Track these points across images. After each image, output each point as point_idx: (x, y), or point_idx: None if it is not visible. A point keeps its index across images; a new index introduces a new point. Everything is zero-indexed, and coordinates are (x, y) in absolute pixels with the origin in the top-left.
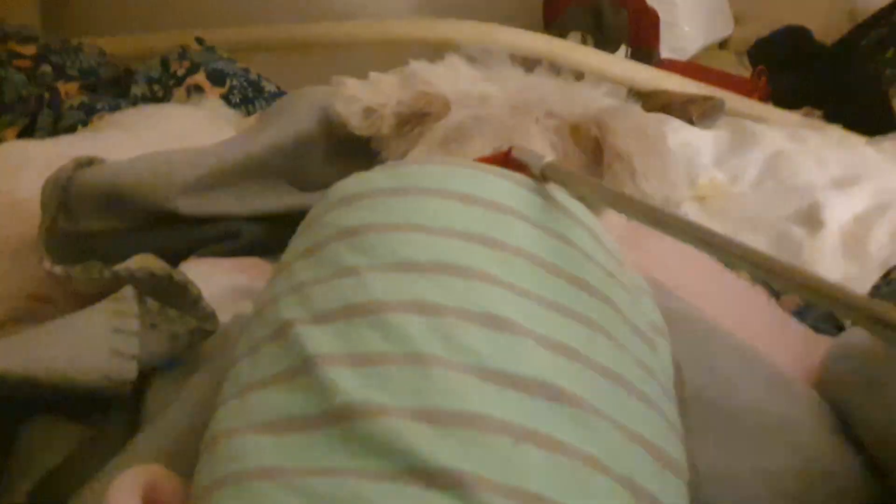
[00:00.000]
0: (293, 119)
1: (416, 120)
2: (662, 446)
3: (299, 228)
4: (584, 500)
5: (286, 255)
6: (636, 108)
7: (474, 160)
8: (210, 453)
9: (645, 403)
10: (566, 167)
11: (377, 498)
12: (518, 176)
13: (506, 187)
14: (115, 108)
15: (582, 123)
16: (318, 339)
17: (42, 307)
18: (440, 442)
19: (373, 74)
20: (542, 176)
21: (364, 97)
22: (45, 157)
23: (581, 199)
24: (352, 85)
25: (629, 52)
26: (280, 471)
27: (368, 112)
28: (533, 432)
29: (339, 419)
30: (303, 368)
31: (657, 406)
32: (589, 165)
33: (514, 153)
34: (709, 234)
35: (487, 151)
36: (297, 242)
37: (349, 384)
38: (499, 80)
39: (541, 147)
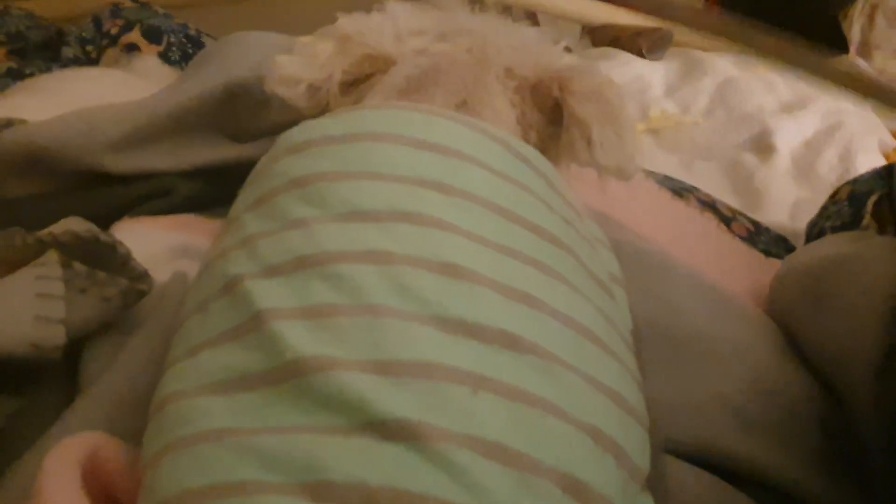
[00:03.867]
0: (223, 66)
1: (361, 81)
2: (624, 395)
3: (248, 179)
4: (545, 448)
5: (234, 208)
6: (598, 70)
7: None
8: (159, 418)
9: (606, 352)
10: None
11: (331, 454)
12: (475, 122)
13: (463, 133)
14: (45, 73)
15: (543, 83)
16: (268, 294)
17: None
18: (395, 393)
19: (303, 43)
20: None
21: (305, 75)
22: None
23: None
24: (287, 63)
25: None
26: (231, 432)
27: (313, 91)
28: (491, 380)
29: (291, 375)
30: (252, 325)
31: (618, 356)
32: (546, 125)
33: None
34: None
35: (450, 104)
36: (246, 194)
37: (300, 339)
38: (447, 28)
39: (501, 103)
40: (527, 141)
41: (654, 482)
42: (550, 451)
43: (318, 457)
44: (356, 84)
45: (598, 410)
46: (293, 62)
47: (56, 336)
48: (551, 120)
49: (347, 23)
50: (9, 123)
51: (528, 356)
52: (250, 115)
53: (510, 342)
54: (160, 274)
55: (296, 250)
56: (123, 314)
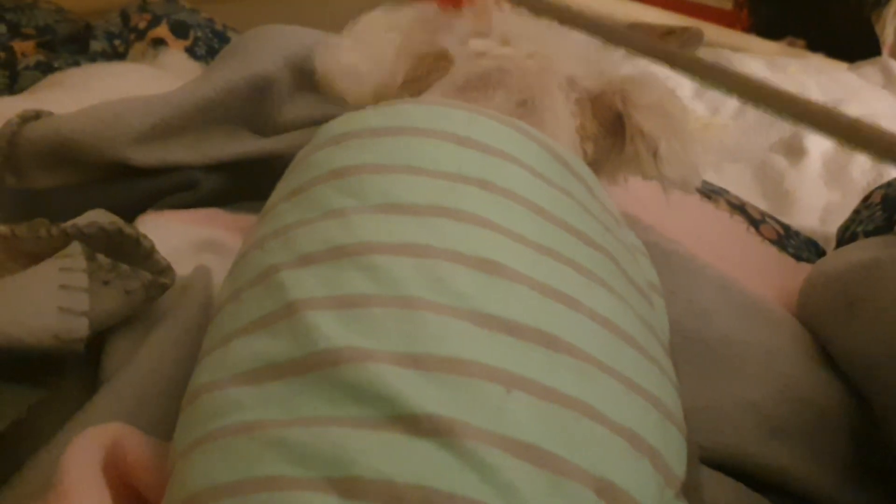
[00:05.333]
0: (250, 60)
1: (417, 79)
2: (663, 399)
3: (287, 169)
4: (579, 451)
5: (272, 198)
6: (660, 82)
7: None
8: (192, 410)
9: (645, 356)
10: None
11: (358, 448)
12: (518, 123)
13: (505, 133)
14: (73, 66)
15: (605, 95)
16: (301, 283)
17: None
18: (427, 388)
19: (363, 32)
20: None
21: (371, 76)
22: None
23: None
24: (349, 55)
25: None
26: (260, 424)
27: (380, 92)
28: (526, 380)
29: (321, 365)
30: (284, 313)
31: (657, 360)
32: (605, 138)
33: None
34: (694, 61)
35: (511, 103)
36: (284, 184)
37: (332, 328)
38: (509, 33)
39: (562, 113)
40: (583, 152)
41: (690, 490)
42: (585, 454)
43: (346, 451)
44: (413, 81)
45: (635, 414)
46: (356, 55)
47: (79, 328)
48: (609, 132)
49: (412, 16)
50: (36, 115)
51: (564, 356)
52: (275, 109)
53: (547, 341)
54: (183, 267)
55: (331, 240)
56: (146, 307)
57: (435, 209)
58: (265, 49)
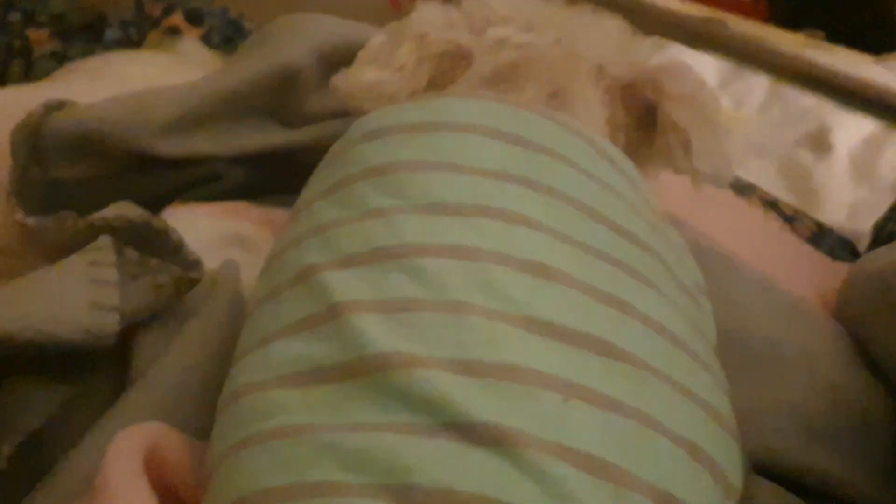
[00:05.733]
0: (277, 50)
1: (440, 78)
2: (719, 408)
3: (320, 165)
4: (640, 462)
5: (305, 194)
6: (691, 71)
7: None
8: (233, 410)
9: (698, 363)
10: None
11: (414, 455)
12: (561, 117)
13: (549, 128)
14: (88, 55)
15: (636, 84)
16: (345, 284)
17: (6, 261)
18: (481, 395)
19: (379, 48)
20: None
21: (395, 89)
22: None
23: None
24: (369, 75)
25: None
26: (309, 427)
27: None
28: (583, 388)
29: (370, 370)
30: (328, 315)
31: (709, 366)
32: (636, 129)
33: None
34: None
35: (542, 95)
36: (318, 180)
37: (380, 333)
38: (534, 18)
39: (593, 103)
40: (614, 143)
41: (745, 501)
42: (646, 466)
43: (401, 457)
44: (437, 84)
45: (694, 424)
46: (376, 74)
47: (110, 323)
48: (640, 123)
49: (420, 19)
50: (60, 105)
51: (620, 363)
52: (302, 101)
53: (602, 348)
54: (210, 261)
55: (375, 241)
56: (175, 302)
57: (480, 209)
58: (293, 39)
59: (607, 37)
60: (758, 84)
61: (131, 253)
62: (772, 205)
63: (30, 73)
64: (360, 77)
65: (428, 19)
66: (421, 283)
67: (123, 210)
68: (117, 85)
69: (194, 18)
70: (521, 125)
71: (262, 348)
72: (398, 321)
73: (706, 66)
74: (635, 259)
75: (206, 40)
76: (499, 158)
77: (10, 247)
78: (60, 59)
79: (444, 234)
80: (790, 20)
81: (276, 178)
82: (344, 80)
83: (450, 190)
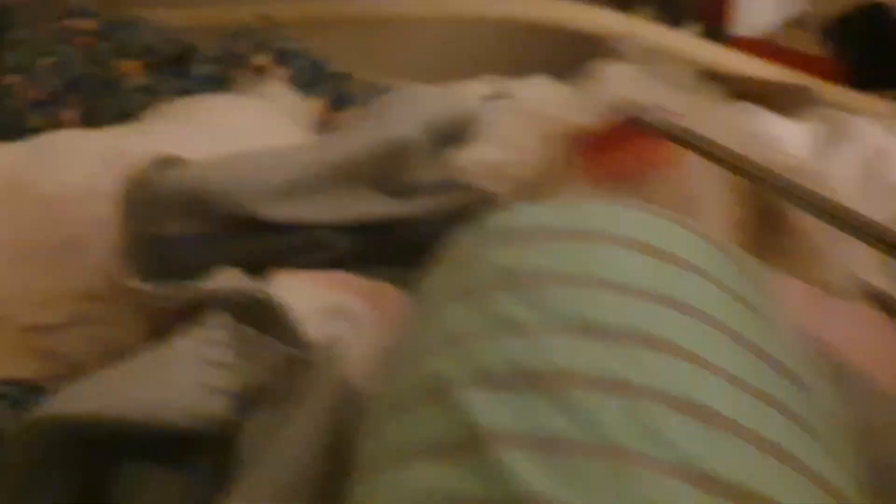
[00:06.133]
0: (388, 123)
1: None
2: None
3: (446, 259)
4: None
5: (431, 293)
6: (819, 175)
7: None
8: None
9: None
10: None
11: None
12: (698, 226)
13: (686, 239)
14: (177, 91)
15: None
16: (488, 410)
17: (95, 307)
18: None
19: (500, 126)
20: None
21: (516, 170)
22: (96, 151)
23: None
24: (491, 159)
25: (698, 29)
26: None
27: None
28: None
29: None
30: (470, 444)
31: None
32: (756, 233)
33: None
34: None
35: (675, 197)
36: (446, 279)
37: (530, 473)
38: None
39: (719, 209)
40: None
41: None
42: None
43: None
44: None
45: None
46: (499, 154)
47: (221, 407)
48: (760, 225)
49: (536, 100)
50: (170, 163)
51: None
52: (409, 173)
53: None
54: (312, 332)
55: (516, 361)
56: (286, 384)
57: (630, 335)
58: (403, 112)
59: (747, 130)
60: (849, 156)
61: (248, 331)
62: (881, 300)
63: (121, 107)
64: (482, 156)
65: (547, 98)
66: (574, 420)
67: (237, 282)
68: (210, 132)
69: (282, 59)
70: (662, 236)
71: (399, 469)
72: (551, 463)
73: (795, 135)
74: (785, 393)
75: (294, 82)
76: (644, 275)
77: (100, 293)
78: (150, 93)
79: (593, 362)
80: (867, 83)
81: (378, 249)
82: (466, 159)
83: (596, 308)
